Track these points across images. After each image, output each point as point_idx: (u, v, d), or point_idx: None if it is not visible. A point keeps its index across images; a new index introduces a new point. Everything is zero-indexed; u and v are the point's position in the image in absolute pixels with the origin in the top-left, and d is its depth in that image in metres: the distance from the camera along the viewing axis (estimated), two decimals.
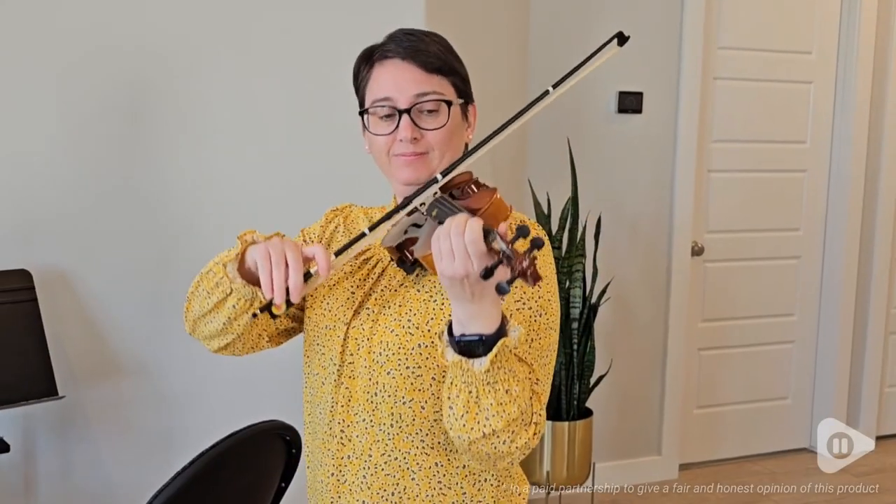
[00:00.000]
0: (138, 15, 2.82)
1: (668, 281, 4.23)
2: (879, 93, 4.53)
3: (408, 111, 1.43)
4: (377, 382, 1.43)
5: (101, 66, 2.80)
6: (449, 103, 1.46)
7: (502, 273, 1.13)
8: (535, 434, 1.31)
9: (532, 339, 1.39)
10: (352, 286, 1.52)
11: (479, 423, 1.27)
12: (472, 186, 1.42)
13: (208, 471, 1.76)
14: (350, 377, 1.47)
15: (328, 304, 1.53)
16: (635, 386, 4.26)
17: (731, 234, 4.43)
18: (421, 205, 1.38)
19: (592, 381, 3.69)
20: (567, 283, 3.61)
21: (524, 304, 1.40)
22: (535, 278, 1.11)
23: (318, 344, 1.53)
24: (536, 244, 1.11)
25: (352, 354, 1.47)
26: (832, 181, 4.58)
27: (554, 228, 3.66)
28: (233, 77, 2.93)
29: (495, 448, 1.29)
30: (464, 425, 1.28)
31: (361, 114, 1.50)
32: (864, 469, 4.44)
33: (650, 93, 4.08)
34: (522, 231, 1.13)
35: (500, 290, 1.12)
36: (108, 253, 2.85)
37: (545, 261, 1.45)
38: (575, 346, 3.62)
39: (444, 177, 1.37)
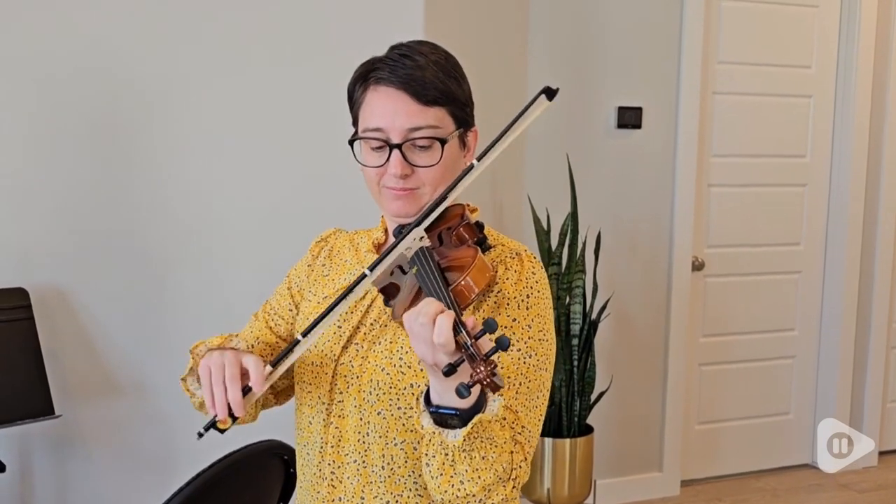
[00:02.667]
0: (133, 35, 2.82)
1: (668, 296, 4.22)
2: (879, 106, 4.53)
3: (399, 146, 1.36)
4: (368, 422, 1.38)
5: (97, 86, 2.79)
6: (443, 141, 1.37)
7: (465, 373, 1.12)
8: (513, 488, 1.27)
9: (520, 384, 1.33)
10: (338, 320, 1.45)
11: (453, 486, 1.24)
12: (462, 231, 1.37)
13: (205, 491, 1.75)
14: (339, 416, 1.42)
15: (315, 343, 1.46)
16: (636, 402, 4.24)
17: (731, 248, 4.41)
18: (407, 249, 1.32)
19: (593, 397, 3.67)
20: (567, 299, 3.59)
21: (513, 345, 1.33)
22: (493, 388, 1.10)
23: (305, 382, 1.48)
24: (501, 345, 1.09)
25: (341, 393, 1.42)
26: (832, 195, 4.57)
27: (554, 244, 3.65)
28: (227, 89, 2.91)
29: None
30: (439, 486, 1.25)
31: (351, 142, 1.43)
32: (867, 485, 4.42)
33: (649, 108, 4.08)
34: (489, 326, 1.11)
35: (459, 395, 1.11)
36: (104, 272, 2.83)
37: (541, 294, 1.39)
38: (575, 363, 3.60)
39: (418, 226, 1.33)
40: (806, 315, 4.63)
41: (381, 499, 1.38)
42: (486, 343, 1.12)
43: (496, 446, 1.22)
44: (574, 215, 3.63)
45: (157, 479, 2.81)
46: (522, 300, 1.36)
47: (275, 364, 1.34)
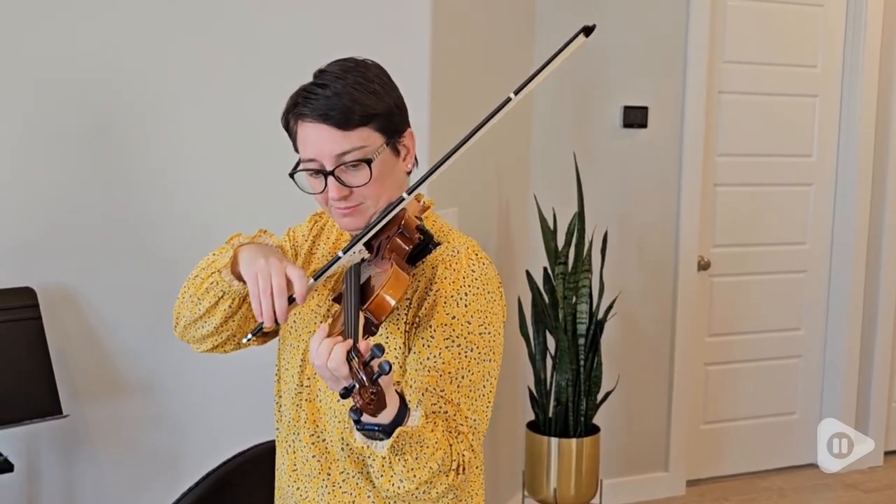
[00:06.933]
0: (138, 35, 2.82)
1: (674, 296, 4.22)
2: (885, 105, 4.52)
3: (332, 172, 1.44)
4: (331, 408, 1.51)
5: (103, 85, 2.79)
6: (369, 161, 1.44)
7: (356, 398, 1.21)
8: (457, 475, 1.37)
9: (462, 377, 1.41)
10: (317, 304, 1.57)
11: (393, 485, 1.35)
12: (396, 241, 1.45)
13: (215, 491, 1.75)
14: (308, 400, 1.55)
15: (295, 320, 1.59)
16: (642, 402, 4.24)
17: (737, 248, 4.41)
18: (348, 262, 1.44)
19: (599, 397, 3.67)
20: (574, 298, 3.59)
21: (453, 341, 1.42)
22: (373, 413, 1.21)
23: (283, 359, 1.61)
24: (382, 370, 1.19)
25: (309, 378, 1.55)
26: (838, 194, 4.57)
27: (560, 244, 3.65)
28: (232, 89, 2.91)
29: (416, 498, 1.37)
30: (381, 485, 1.36)
31: (291, 174, 1.51)
32: (874, 485, 4.42)
33: (655, 107, 4.08)
34: (375, 352, 1.20)
35: (352, 419, 1.23)
36: (112, 271, 2.84)
37: (480, 290, 1.45)
38: (582, 363, 3.60)
39: (351, 249, 1.44)
40: (812, 314, 4.62)
41: (346, 474, 1.51)
42: (375, 367, 1.21)
43: (427, 447, 1.32)
44: (580, 215, 3.63)
45: (165, 479, 2.81)
46: (461, 298, 1.44)
47: (316, 278, 1.44)
